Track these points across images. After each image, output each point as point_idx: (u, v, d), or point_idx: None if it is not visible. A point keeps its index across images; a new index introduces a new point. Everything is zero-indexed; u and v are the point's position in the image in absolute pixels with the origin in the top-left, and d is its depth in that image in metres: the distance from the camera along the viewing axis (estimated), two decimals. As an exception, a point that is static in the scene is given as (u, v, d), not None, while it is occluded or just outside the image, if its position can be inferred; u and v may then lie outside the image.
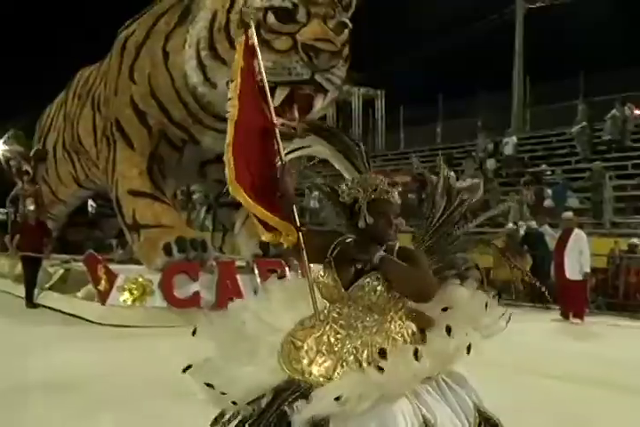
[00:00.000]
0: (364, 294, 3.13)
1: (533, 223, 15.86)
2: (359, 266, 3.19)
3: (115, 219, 13.99)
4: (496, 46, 27.39)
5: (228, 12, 11.09)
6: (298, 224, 3.34)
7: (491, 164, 22.81)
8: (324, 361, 3.13)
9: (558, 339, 10.80)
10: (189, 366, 3.28)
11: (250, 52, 3.62)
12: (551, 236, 14.04)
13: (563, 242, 12.57)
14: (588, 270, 12.39)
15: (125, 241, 14.20)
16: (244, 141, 3.47)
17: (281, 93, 10.53)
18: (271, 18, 10.64)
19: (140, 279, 11.52)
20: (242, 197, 3.41)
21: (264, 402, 3.09)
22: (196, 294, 11.24)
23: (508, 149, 22.97)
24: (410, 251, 3.23)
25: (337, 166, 3.58)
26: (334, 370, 3.08)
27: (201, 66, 11.46)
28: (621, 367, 7.96)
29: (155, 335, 9.74)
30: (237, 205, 12.83)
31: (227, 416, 3.28)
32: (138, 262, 12.62)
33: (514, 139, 23.41)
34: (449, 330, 3.08)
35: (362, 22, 11.67)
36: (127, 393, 6.45)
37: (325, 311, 3.26)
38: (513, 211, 18.63)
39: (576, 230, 12.58)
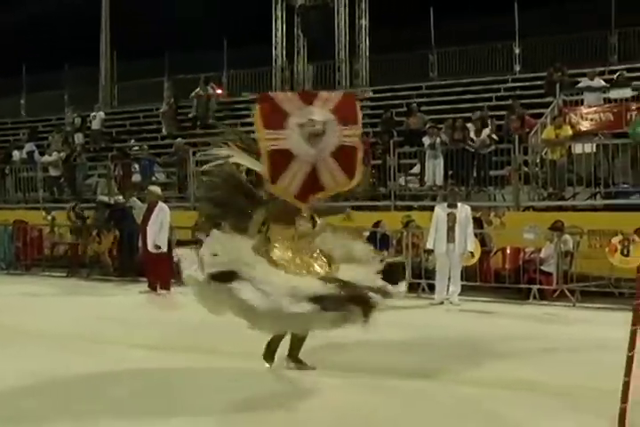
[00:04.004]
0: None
1: (120, 198, 16.02)
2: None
3: None
4: (84, 19, 26.93)
5: None
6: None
7: (78, 138, 22.50)
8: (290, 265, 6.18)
9: (145, 310, 11.09)
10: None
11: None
12: (140, 208, 14.25)
13: (148, 215, 12.86)
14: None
15: None
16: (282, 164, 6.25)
17: None
18: None
19: None
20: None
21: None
22: None
23: (96, 124, 22.85)
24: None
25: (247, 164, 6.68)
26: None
27: None
28: (205, 332, 8.41)
29: None
30: None
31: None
32: None
33: (101, 114, 23.33)
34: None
35: None
36: None
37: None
38: (101, 185, 18.64)
39: (160, 204, 12.91)
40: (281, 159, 6.27)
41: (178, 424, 5.26)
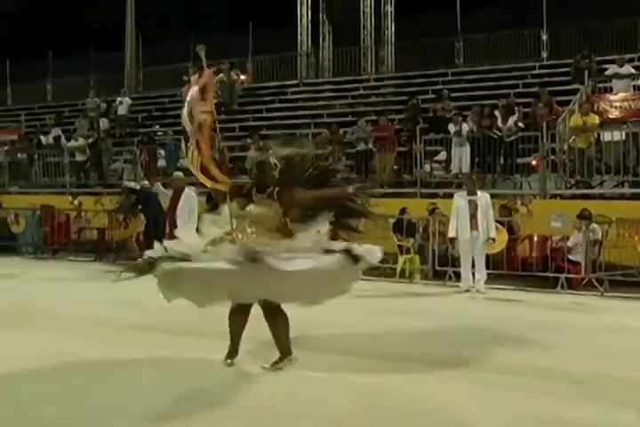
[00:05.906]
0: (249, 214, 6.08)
1: (146, 183, 16.06)
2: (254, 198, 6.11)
3: None
4: (110, 3, 26.96)
5: None
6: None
7: (104, 123, 22.59)
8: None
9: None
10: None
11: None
12: (164, 194, 14.30)
13: (174, 201, 12.93)
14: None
15: None
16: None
17: None
18: None
19: None
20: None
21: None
22: None
23: (122, 109, 22.93)
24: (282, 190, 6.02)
25: None
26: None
27: None
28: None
29: None
30: None
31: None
32: None
33: (127, 99, 23.40)
34: None
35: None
36: None
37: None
38: (127, 170, 18.70)
39: (186, 190, 12.97)
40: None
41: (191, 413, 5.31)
